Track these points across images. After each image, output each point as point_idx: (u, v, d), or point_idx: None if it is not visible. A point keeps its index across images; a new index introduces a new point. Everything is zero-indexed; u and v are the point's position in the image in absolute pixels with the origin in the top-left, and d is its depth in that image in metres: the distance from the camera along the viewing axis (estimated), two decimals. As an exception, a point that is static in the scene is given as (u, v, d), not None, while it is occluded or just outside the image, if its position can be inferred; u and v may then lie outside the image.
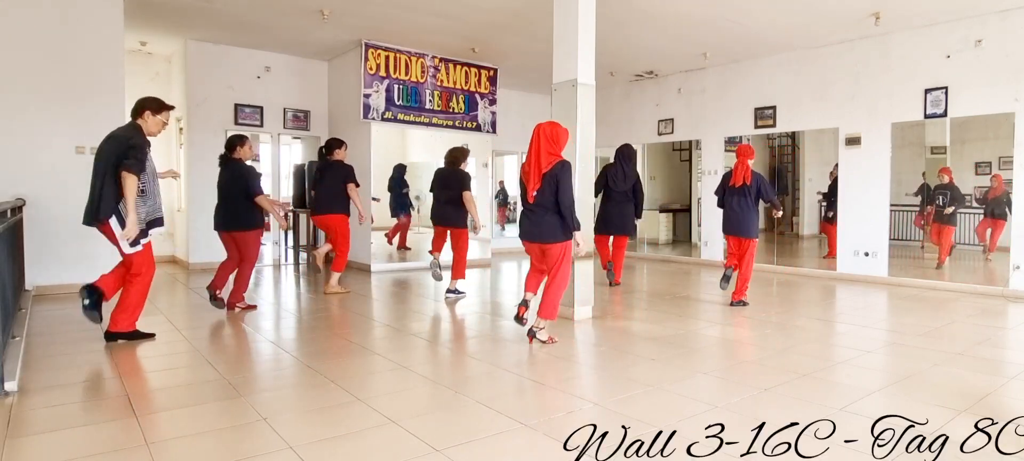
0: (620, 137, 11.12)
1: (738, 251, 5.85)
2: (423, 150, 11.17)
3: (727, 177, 5.90)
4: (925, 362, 3.91)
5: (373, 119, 8.35)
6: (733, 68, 9.32)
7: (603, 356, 4.09)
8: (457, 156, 6.35)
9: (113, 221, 3.84)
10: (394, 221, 10.45)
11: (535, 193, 4.08)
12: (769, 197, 5.77)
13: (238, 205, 5.22)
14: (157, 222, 4.07)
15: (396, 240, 10.46)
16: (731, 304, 5.77)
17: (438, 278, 6.46)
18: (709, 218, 9.78)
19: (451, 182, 6.23)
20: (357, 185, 6.28)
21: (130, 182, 3.74)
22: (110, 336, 4.12)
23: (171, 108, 4.17)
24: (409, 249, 10.40)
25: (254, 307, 5.58)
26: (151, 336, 4.28)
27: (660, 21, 7.35)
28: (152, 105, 4.06)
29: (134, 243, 3.91)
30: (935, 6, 6.67)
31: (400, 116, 8.65)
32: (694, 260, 9.96)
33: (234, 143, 5.35)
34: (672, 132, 10.30)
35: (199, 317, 5.22)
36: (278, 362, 3.92)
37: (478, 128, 9.55)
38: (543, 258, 4.25)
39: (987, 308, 5.94)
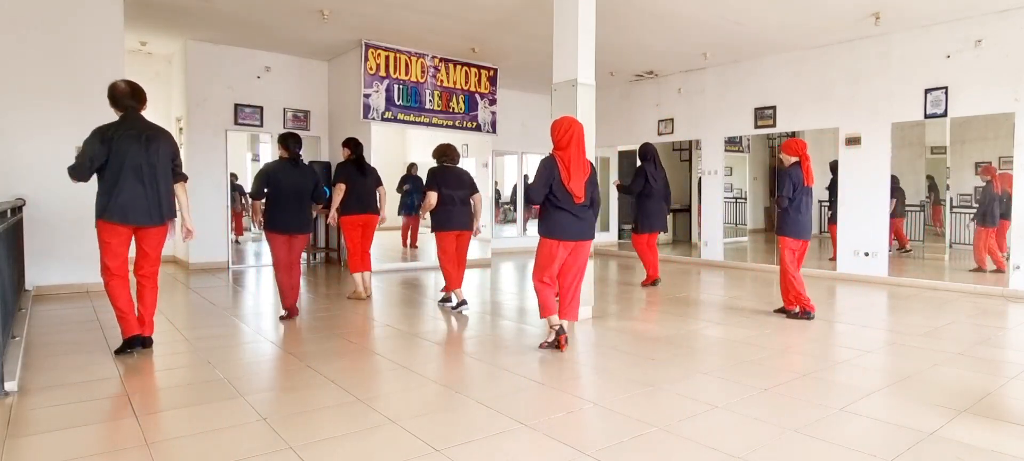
0: (620, 137, 11.18)
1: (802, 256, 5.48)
2: (423, 150, 11.20)
3: (800, 176, 5.43)
4: (925, 362, 3.92)
5: (373, 119, 8.35)
6: (733, 68, 9.32)
7: (603, 356, 4.08)
8: (457, 153, 5.79)
9: None
10: (401, 221, 10.80)
11: (583, 192, 4.05)
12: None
13: (305, 206, 5.21)
14: None
15: (409, 239, 10.86)
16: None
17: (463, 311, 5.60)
18: (709, 218, 9.77)
19: (465, 180, 5.71)
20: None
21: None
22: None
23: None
24: (416, 248, 10.66)
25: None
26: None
27: (660, 21, 7.35)
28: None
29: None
30: (935, 6, 6.67)
31: (400, 116, 8.65)
32: (694, 260, 9.95)
33: (300, 142, 5.30)
34: (672, 132, 10.30)
35: (199, 317, 5.22)
36: (278, 362, 3.92)
37: (478, 128, 9.55)
38: (571, 260, 4.14)
39: (987, 308, 5.94)
